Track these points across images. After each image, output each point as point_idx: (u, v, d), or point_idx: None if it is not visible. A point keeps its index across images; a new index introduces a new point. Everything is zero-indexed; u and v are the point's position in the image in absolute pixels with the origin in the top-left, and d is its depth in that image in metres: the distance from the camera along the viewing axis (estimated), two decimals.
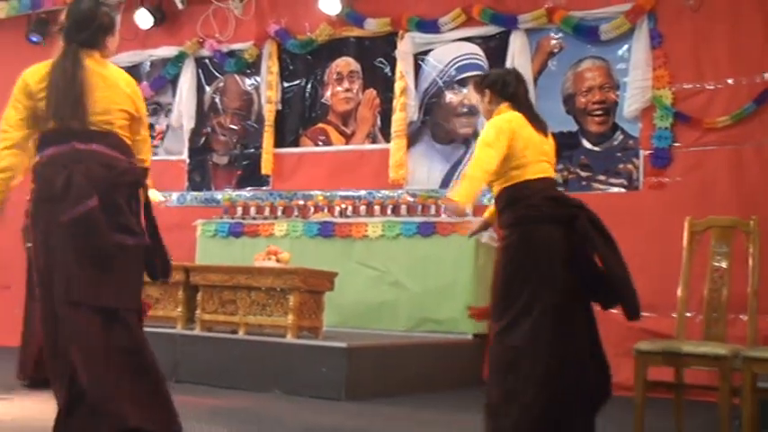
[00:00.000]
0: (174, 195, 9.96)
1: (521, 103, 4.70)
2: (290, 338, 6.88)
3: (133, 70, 10.28)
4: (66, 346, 3.81)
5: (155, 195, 4.59)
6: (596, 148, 7.99)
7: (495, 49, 8.43)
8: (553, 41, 8.27)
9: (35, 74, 3.95)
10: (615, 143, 7.94)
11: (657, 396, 4.91)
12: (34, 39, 10.73)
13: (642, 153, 7.78)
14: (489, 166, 4.41)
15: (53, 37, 10.46)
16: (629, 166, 7.85)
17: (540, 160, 4.52)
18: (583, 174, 8.02)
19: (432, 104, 8.79)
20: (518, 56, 8.17)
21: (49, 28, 10.65)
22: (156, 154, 10.05)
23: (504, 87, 4.77)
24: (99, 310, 3.81)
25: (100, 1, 4.10)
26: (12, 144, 3.96)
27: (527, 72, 7.97)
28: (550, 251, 4.30)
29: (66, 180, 3.81)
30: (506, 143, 4.42)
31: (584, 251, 4.32)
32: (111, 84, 3.94)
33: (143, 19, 10.00)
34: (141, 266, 3.97)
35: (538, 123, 4.66)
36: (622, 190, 7.85)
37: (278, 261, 7.20)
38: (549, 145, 4.63)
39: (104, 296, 3.82)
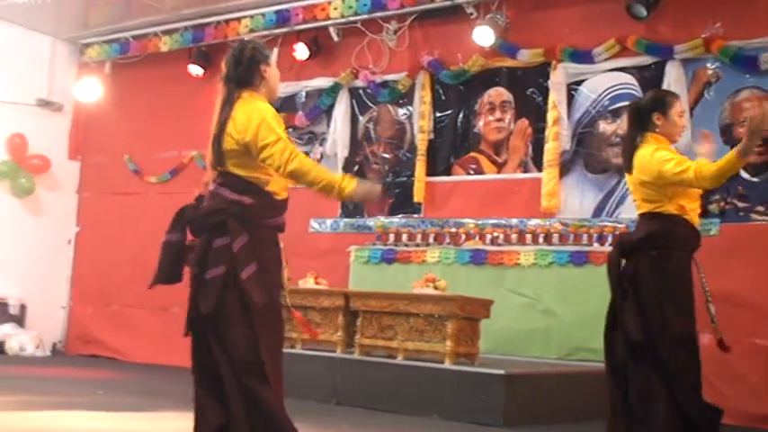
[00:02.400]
0: (328, 222, 10.24)
1: None
2: (447, 364, 7.03)
3: (289, 101, 10.64)
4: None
5: None
6: (754, 179, 7.89)
7: (650, 78, 8.40)
8: (710, 71, 8.20)
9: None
10: None
11: None
12: (195, 71, 11.19)
13: None
14: None
15: (212, 69, 10.98)
16: None
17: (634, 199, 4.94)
18: (740, 204, 7.93)
19: (584, 134, 8.82)
20: (674, 86, 8.12)
21: (208, 60, 11.13)
22: None
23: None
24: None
25: (245, 41, 4.39)
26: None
27: (683, 102, 7.93)
28: None
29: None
30: None
31: None
32: (229, 126, 4.12)
33: (299, 51, 10.34)
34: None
35: (624, 161, 4.97)
36: None
37: (436, 288, 7.36)
38: (630, 182, 4.93)
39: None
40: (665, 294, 4.66)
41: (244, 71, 4.22)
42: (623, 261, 4.82)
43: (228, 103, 4.16)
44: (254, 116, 4.08)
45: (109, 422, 5.85)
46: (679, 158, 4.62)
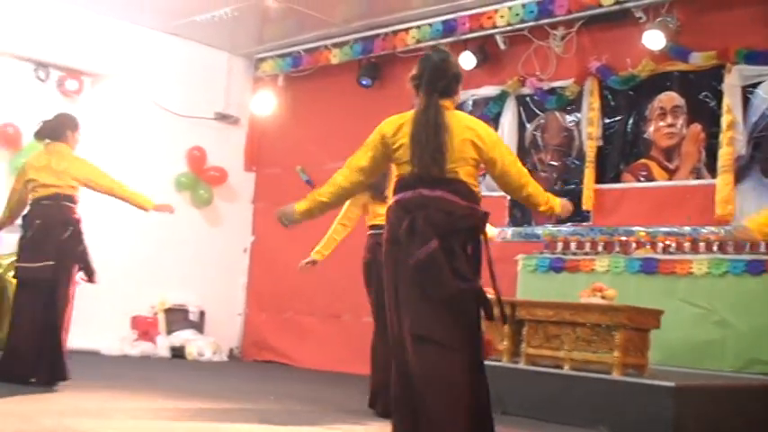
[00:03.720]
0: (496, 231, 10.20)
1: None
2: (615, 375, 6.89)
3: (456, 109, 10.63)
4: (411, 377, 4.12)
5: (491, 230, 4.85)
6: None
7: None
8: None
9: (391, 124, 4.34)
10: None
11: None
12: (364, 82, 11.38)
13: None
14: None
15: (382, 81, 11.19)
16: None
17: None
18: None
19: (761, 138, 8.44)
20: None
21: (378, 72, 11.31)
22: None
23: None
24: (439, 345, 4.08)
25: (446, 52, 4.44)
26: (345, 185, 4.48)
27: None
28: None
29: (410, 225, 4.16)
30: None
31: None
32: (458, 132, 4.20)
33: (467, 60, 10.36)
34: (472, 310, 4.14)
35: None
36: None
37: (603, 298, 7.24)
38: None
39: (437, 333, 4.08)
40: None
41: (447, 84, 4.33)
42: None
43: (440, 112, 4.24)
44: (492, 133, 4.32)
45: (269, 429, 5.98)
46: None
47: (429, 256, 4.08)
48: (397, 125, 4.35)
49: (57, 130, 7.56)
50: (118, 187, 7.54)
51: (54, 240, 7.24)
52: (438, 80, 4.31)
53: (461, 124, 4.25)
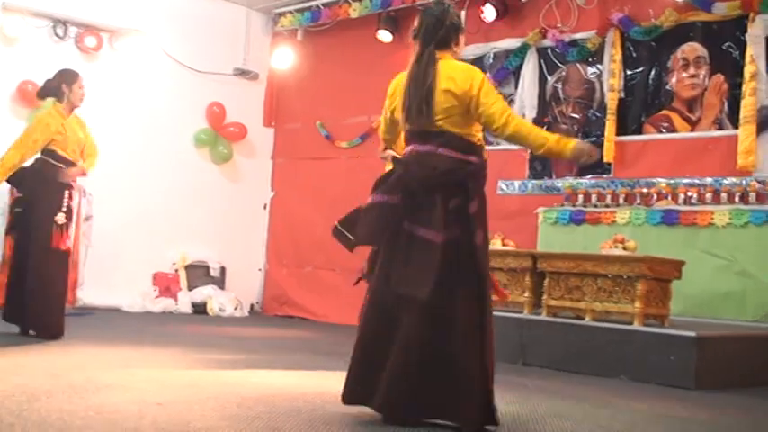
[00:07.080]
0: (516, 183, 10.18)
1: None
2: (636, 326, 6.90)
3: (476, 63, 10.55)
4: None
5: None
6: None
7: None
8: None
9: (396, 80, 4.35)
10: None
11: None
12: (384, 36, 11.31)
13: None
14: None
15: (401, 34, 11.11)
16: None
17: None
18: None
19: None
20: None
21: (397, 25, 11.23)
22: (498, 144, 10.09)
23: None
24: (397, 294, 4.12)
25: (447, 4, 4.41)
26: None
27: None
28: None
29: (386, 175, 4.26)
30: None
31: None
32: (441, 83, 4.18)
33: (487, 12, 10.29)
34: (435, 260, 4.03)
35: None
36: None
37: (624, 249, 7.22)
38: None
39: (394, 280, 4.13)
40: None
41: (445, 34, 4.29)
42: None
43: (431, 62, 4.21)
44: (475, 75, 4.19)
45: (293, 378, 6.03)
46: None
47: (381, 204, 4.16)
48: (396, 84, 4.37)
49: (55, 88, 7.58)
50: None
51: (39, 194, 7.32)
52: (435, 31, 4.27)
53: (444, 74, 4.18)
